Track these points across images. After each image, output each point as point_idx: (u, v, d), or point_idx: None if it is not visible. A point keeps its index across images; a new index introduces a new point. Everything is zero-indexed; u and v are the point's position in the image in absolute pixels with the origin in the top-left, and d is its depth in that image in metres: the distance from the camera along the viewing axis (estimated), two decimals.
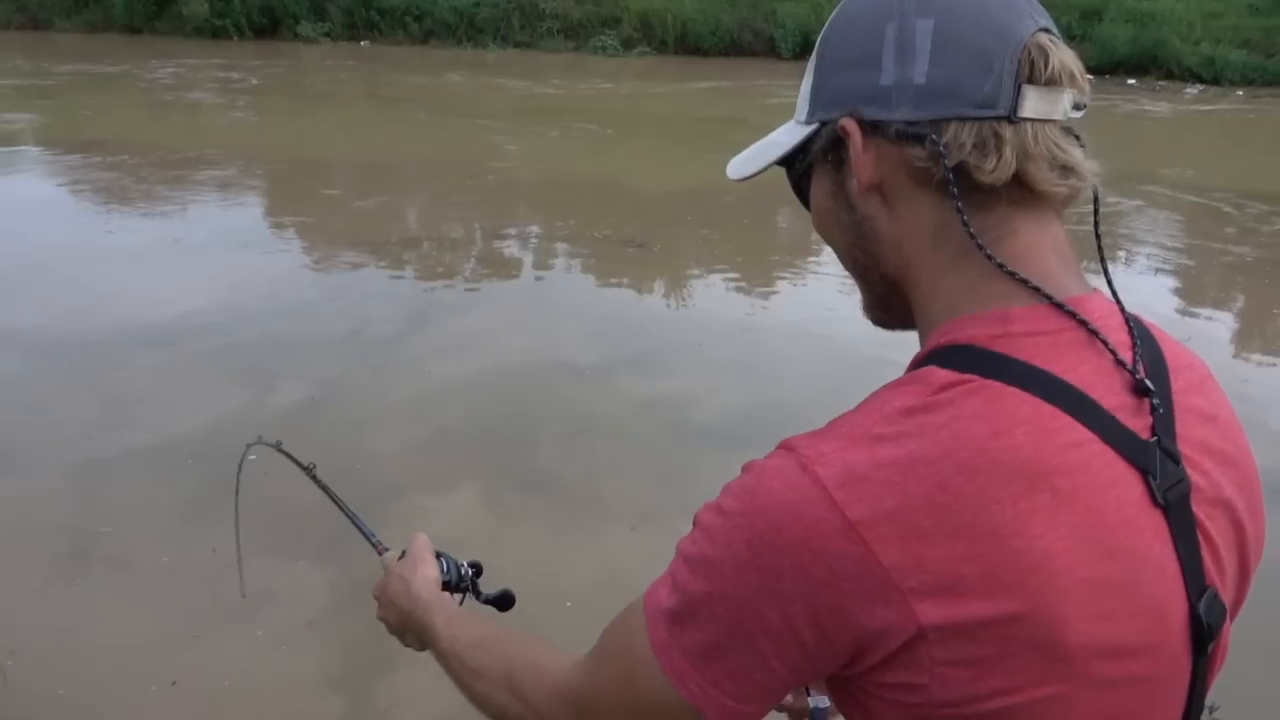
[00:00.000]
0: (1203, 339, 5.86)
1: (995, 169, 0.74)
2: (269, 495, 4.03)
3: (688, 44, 21.12)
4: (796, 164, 0.87)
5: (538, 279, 7.19)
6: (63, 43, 21.92)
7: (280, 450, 1.70)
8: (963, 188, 0.75)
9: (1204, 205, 9.32)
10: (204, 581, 3.45)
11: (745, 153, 0.93)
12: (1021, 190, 0.75)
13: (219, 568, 3.50)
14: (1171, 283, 7.23)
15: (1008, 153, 0.74)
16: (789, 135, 0.87)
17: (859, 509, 0.67)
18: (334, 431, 4.60)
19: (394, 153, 11.29)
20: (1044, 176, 0.75)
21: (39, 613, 3.32)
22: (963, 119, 0.74)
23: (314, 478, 1.61)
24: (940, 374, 0.72)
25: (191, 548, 3.64)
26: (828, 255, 7.98)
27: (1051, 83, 0.74)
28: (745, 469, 0.77)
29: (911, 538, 0.67)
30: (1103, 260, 0.85)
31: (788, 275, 7.38)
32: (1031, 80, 0.74)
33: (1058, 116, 0.75)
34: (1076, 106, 0.76)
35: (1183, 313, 6.56)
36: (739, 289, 6.99)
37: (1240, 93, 17.52)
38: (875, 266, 0.84)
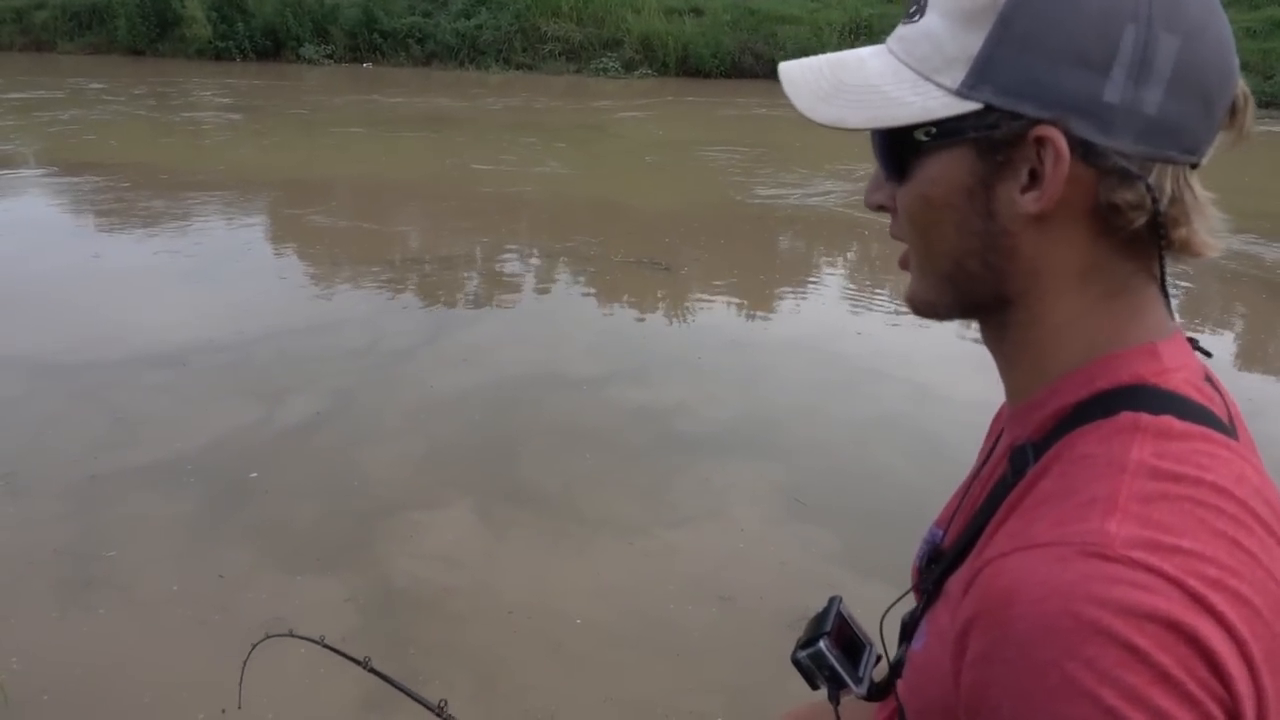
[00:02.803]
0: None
1: (1191, 227, 0.68)
2: (274, 513, 4.07)
3: (689, 66, 21.22)
4: (920, 134, 0.70)
5: (544, 297, 7.22)
6: (65, 64, 22.03)
7: (403, 689, 1.54)
8: (1122, 231, 0.68)
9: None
10: (220, 610, 3.41)
11: (815, 74, 0.76)
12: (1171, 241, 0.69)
13: (228, 594, 3.49)
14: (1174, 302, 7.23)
15: (1192, 213, 0.68)
16: (918, 94, 0.69)
17: (1196, 582, 0.57)
18: (337, 448, 4.60)
19: (398, 173, 11.34)
20: (1204, 240, 0.69)
21: (60, 645, 3.25)
22: (1168, 162, 0.66)
23: (443, 716, 1.47)
24: (1146, 418, 0.65)
25: (198, 572, 3.62)
26: (830, 272, 8.02)
27: (1236, 133, 0.69)
28: (987, 609, 0.61)
29: (1240, 604, 0.58)
30: (1167, 299, 0.77)
31: (803, 292, 7.39)
32: (1226, 128, 0.69)
33: None
34: None
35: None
36: (763, 307, 7.01)
37: None
38: (991, 282, 0.72)
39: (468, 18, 22.66)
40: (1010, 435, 0.77)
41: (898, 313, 6.75)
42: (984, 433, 0.97)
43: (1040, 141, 0.65)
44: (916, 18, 0.71)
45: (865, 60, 0.74)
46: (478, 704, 2.96)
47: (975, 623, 0.62)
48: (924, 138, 0.70)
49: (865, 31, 20.69)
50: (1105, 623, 0.55)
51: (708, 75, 20.94)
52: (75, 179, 10.50)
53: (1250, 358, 6.41)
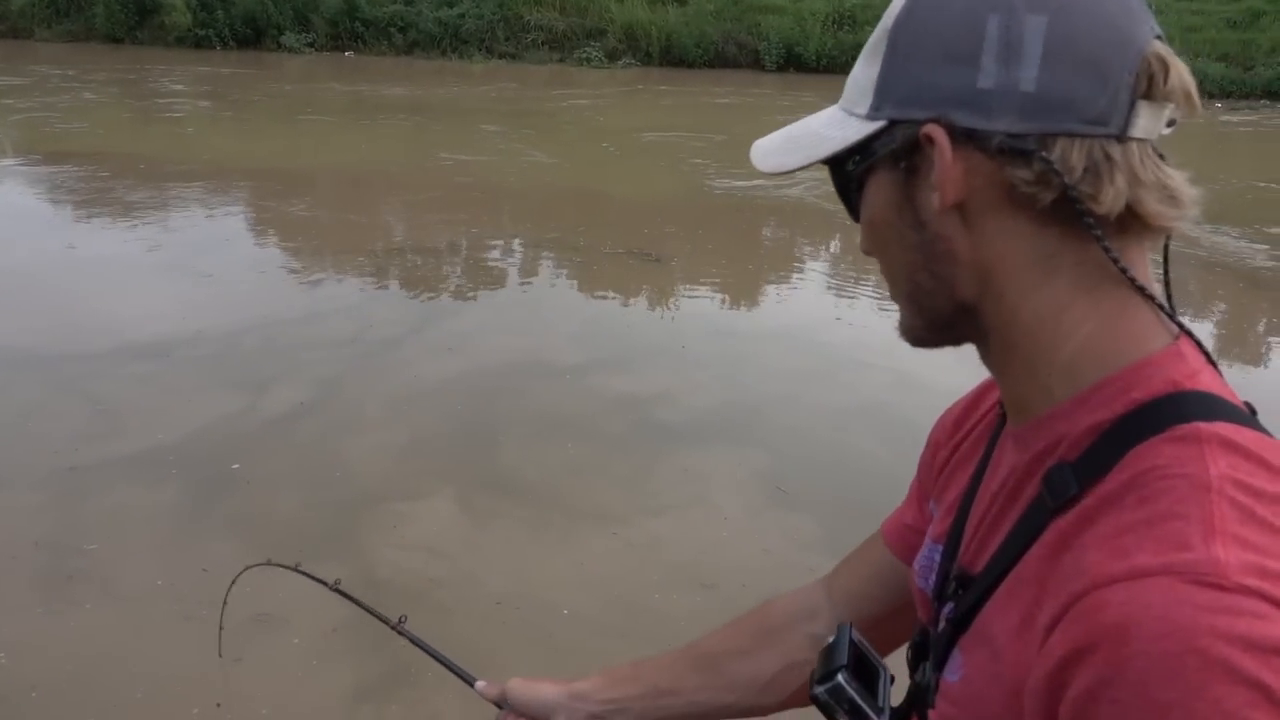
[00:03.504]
0: None
1: (1110, 198, 0.66)
2: (257, 505, 4.05)
3: (672, 56, 21.20)
4: (850, 164, 0.76)
5: (531, 287, 7.21)
6: (43, 52, 21.81)
7: (347, 595, 1.47)
8: (1063, 215, 0.67)
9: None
10: (207, 604, 3.36)
11: (774, 138, 0.83)
12: (1126, 220, 0.68)
13: (214, 588, 3.46)
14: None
15: (1120, 179, 0.66)
16: (841, 129, 0.75)
17: None
18: (319, 438, 4.59)
19: (380, 163, 11.28)
20: (1155, 210, 0.67)
21: (47, 640, 3.23)
22: (1072, 136, 0.66)
23: (401, 630, 1.42)
24: (1204, 428, 0.64)
25: (182, 565, 3.60)
26: (813, 262, 8.04)
27: (1167, 100, 0.67)
28: (1095, 643, 0.58)
29: None
30: (1170, 297, 0.74)
31: (788, 282, 7.41)
32: (1148, 96, 0.66)
33: (1156, 136, 0.68)
34: (1169, 124, 0.68)
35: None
36: (747, 296, 7.02)
37: (1219, 104, 17.74)
38: (945, 293, 0.74)
39: (450, 6, 22.56)
40: (1026, 451, 0.74)
41: (880, 301, 6.78)
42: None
43: (929, 140, 0.69)
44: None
45: (816, 116, 0.81)
46: (472, 696, 2.96)
47: (1080, 659, 0.58)
48: (853, 168, 0.76)
49: (849, 23, 20.64)
50: (1235, 661, 0.53)
51: (691, 65, 20.91)
52: (54, 168, 10.40)
53: (1229, 349, 6.47)
